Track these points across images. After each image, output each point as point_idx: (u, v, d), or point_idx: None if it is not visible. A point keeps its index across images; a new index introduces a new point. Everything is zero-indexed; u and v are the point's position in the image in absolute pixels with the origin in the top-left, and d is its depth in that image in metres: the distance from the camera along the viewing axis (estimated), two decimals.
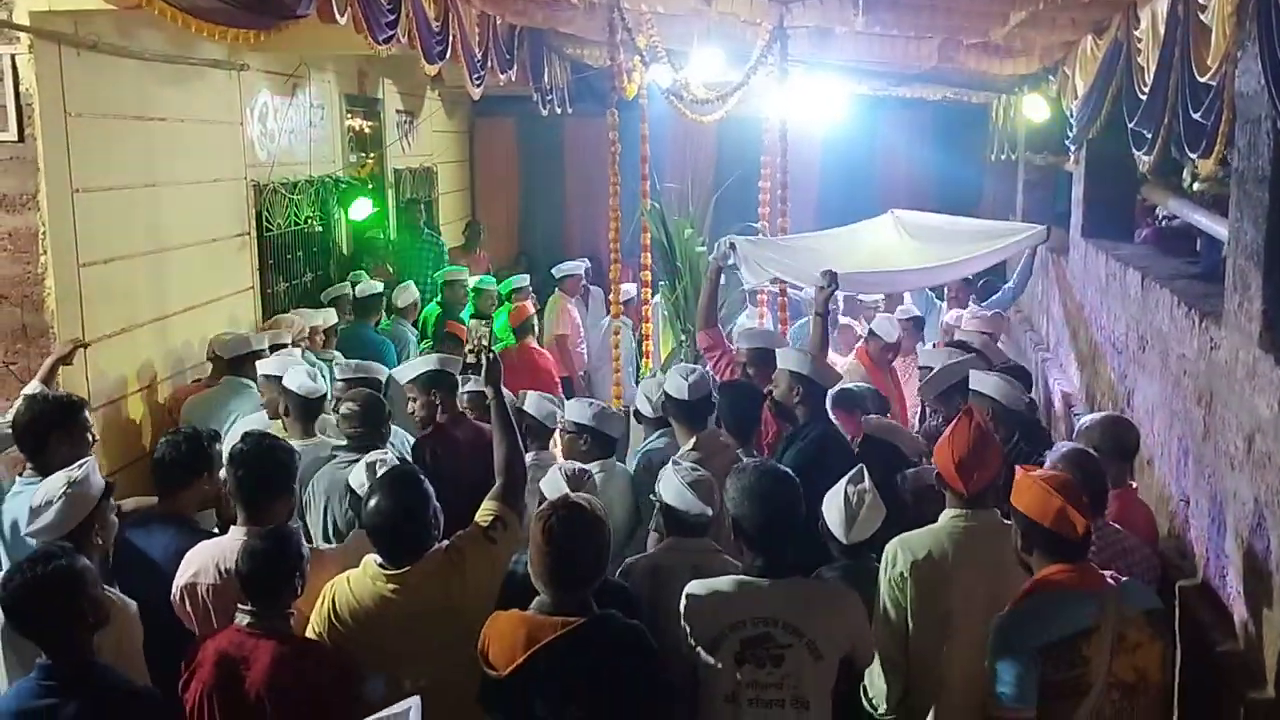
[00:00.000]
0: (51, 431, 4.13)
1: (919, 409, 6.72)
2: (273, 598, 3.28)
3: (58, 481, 3.53)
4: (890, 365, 6.85)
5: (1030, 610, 3.05)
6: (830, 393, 5.30)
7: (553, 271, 9.81)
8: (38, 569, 2.98)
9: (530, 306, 8.44)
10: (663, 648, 3.55)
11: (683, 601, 3.33)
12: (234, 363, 5.97)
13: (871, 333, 6.90)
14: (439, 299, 9.14)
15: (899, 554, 3.49)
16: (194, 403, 5.85)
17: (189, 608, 3.65)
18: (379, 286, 8.35)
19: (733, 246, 6.25)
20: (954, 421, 3.61)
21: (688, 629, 3.28)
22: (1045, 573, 3.10)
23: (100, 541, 3.56)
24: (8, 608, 3.05)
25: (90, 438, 4.31)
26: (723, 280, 6.48)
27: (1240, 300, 3.63)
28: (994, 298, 7.73)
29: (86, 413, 4.31)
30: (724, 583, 3.33)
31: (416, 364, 5.33)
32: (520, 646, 2.96)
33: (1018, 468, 3.29)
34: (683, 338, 7.14)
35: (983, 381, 4.88)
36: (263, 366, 5.56)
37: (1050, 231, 6.95)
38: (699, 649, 3.26)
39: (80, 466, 3.60)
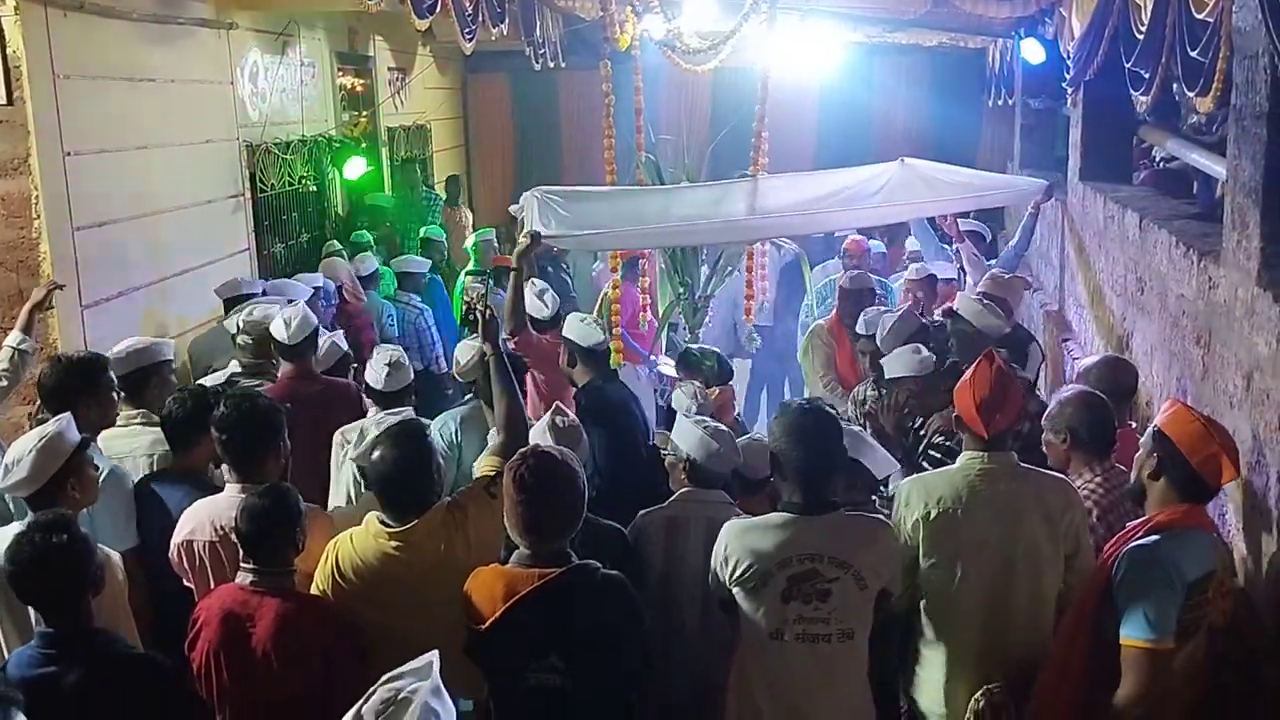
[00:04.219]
0: (79, 395, 4.10)
1: None
2: (274, 555, 3.29)
3: (30, 437, 3.54)
4: None
5: (1178, 545, 2.96)
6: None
7: None
8: (49, 538, 2.97)
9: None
10: (677, 599, 3.58)
11: (722, 543, 3.32)
12: (229, 304, 6.16)
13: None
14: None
15: (914, 495, 3.48)
16: (196, 340, 6.29)
17: (186, 565, 3.67)
18: (438, 231, 8.65)
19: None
20: (975, 364, 3.59)
21: (730, 570, 3.26)
22: (1176, 510, 3.03)
23: (78, 495, 3.54)
24: (12, 576, 3.04)
25: (117, 397, 4.28)
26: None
27: (1239, 238, 3.61)
28: (1000, 255, 7.60)
29: (111, 373, 4.28)
30: (766, 521, 3.31)
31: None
32: (500, 599, 2.98)
33: (1174, 399, 3.23)
34: (681, 290, 7.13)
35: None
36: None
37: (1052, 190, 6.86)
38: (743, 589, 3.24)
39: (55, 422, 3.59)
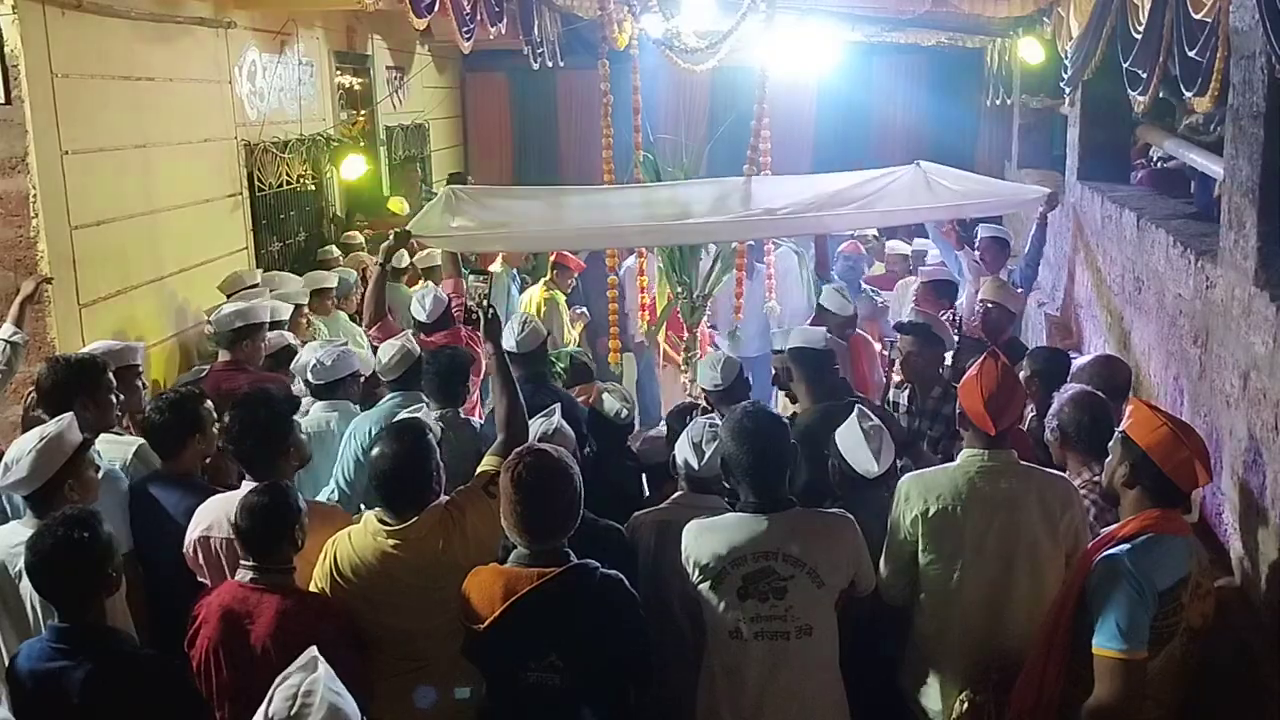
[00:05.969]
0: (75, 396, 4.07)
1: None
2: (272, 552, 3.29)
3: (30, 436, 3.54)
4: (849, 338, 6.17)
5: (1151, 552, 2.93)
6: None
7: None
8: (72, 533, 2.98)
9: None
10: (667, 601, 3.59)
11: (683, 542, 3.35)
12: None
13: (821, 308, 6.33)
14: None
15: (913, 492, 3.48)
16: None
17: (201, 561, 3.66)
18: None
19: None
20: (980, 362, 3.58)
21: (691, 569, 3.30)
22: (1150, 515, 2.99)
23: (76, 496, 3.52)
24: (33, 568, 3.04)
25: (114, 399, 4.26)
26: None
27: (1235, 238, 3.62)
28: (1015, 270, 7.52)
29: (109, 374, 4.26)
30: (722, 521, 3.35)
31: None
32: (498, 599, 2.97)
33: (1135, 399, 3.24)
34: (678, 289, 7.13)
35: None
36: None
37: (1056, 199, 6.81)
38: (702, 588, 3.28)
39: (56, 422, 3.59)
